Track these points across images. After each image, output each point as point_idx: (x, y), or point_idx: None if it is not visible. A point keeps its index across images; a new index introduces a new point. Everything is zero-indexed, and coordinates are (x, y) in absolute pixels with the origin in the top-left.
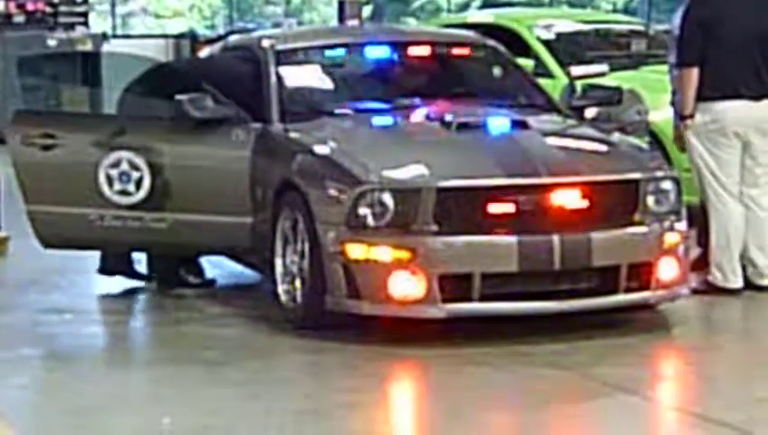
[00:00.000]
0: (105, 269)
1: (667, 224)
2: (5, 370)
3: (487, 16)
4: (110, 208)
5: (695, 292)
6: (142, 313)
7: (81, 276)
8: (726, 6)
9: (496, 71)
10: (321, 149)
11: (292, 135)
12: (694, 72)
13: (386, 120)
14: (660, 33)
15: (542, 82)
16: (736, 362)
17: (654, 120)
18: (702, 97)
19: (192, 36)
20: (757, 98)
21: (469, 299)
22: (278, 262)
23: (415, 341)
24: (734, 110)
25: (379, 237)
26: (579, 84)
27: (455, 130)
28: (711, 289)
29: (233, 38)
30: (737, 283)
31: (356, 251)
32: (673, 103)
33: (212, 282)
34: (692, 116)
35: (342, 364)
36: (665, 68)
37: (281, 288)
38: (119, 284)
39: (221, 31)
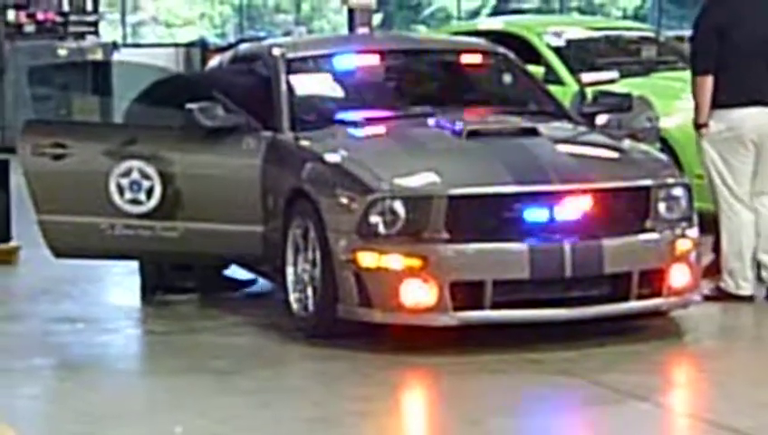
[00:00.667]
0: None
1: (678, 230)
2: (17, 379)
3: (497, 24)
4: (121, 218)
5: (707, 299)
6: (154, 321)
7: (92, 285)
8: (740, 12)
9: (507, 78)
10: (331, 158)
11: (303, 143)
12: (708, 80)
13: (396, 127)
14: (671, 39)
15: (553, 88)
16: (748, 369)
17: (665, 127)
18: (717, 104)
19: (202, 45)
20: (766, 103)
21: (481, 307)
22: (289, 270)
23: (426, 349)
24: (750, 117)
25: (390, 245)
26: (589, 91)
27: (465, 137)
28: (723, 296)
29: (243, 46)
30: (749, 290)
31: (367, 259)
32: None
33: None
34: (707, 124)
35: (354, 373)
36: (675, 74)
37: (292, 297)
38: (130, 292)
39: (231, 39)
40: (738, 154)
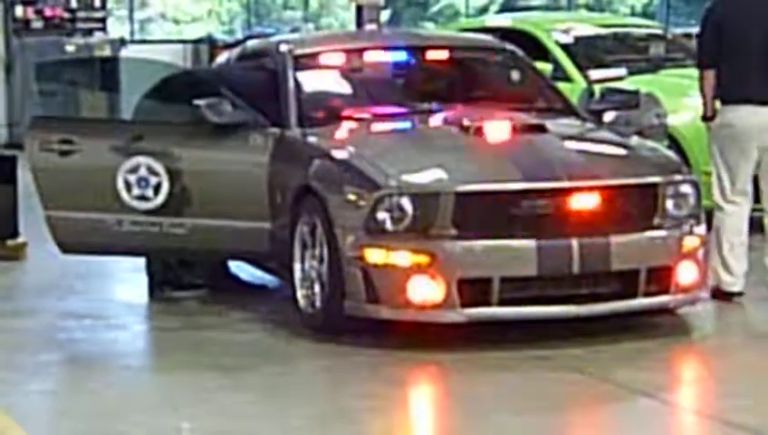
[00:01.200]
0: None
1: (686, 228)
2: (24, 375)
3: (506, 20)
4: (128, 214)
5: (713, 296)
6: (161, 318)
7: (99, 281)
8: (736, 10)
9: (515, 75)
10: (339, 154)
11: (311, 140)
12: (710, 75)
13: (404, 124)
14: (679, 36)
15: (561, 85)
16: (756, 366)
17: (673, 124)
18: (721, 100)
19: (210, 41)
20: (762, 102)
21: (488, 303)
22: (297, 267)
23: (434, 345)
24: (740, 116)
25: (397, 242)
26: (597, 88)
27: (473, 134)
28: (718, 294)
29: (251, 43)
30: (735, 286)
31: (375, 256)
32: None
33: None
34: (711, 118)
35: (361, 369)
36: (683, 71)
37: (300, 293)
38: (137, 289)
39: (239, 36)
40: (733, 152)
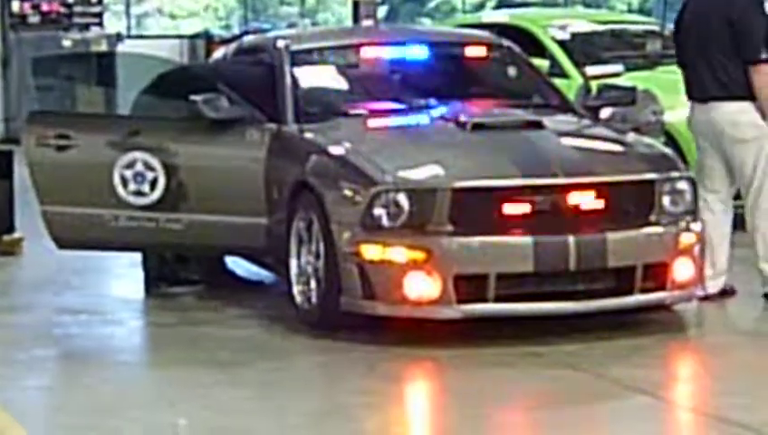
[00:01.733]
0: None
1: (682, 224)
2: (20, 370)
3: (502, 17)
4: (124, 209)
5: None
6: (157, 313)
7: (95, 277)
8: (688, 11)
9: (511, 71)
10: (335, 150)
11: (307, 135)
12: (683, 73)
13: (401, 120)
14: None
15: (557, 82)
16: (753, 364)
17: (669, 121)
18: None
19: (207, 37)
20: (702, 100)
21: (484, 300)
22: (293, 263)
23: (430, 342)
24: (693, 114)
25: (394, 238)
26: (594, 84)
27: (470, 130)
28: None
29: (248, 39)
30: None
31: (371, 252)
32: None
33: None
34: None
35: (357, 365)
36: None
37: (296, 289)
38: (134, 284)
39: (236, 31)
40: (698, 150)
